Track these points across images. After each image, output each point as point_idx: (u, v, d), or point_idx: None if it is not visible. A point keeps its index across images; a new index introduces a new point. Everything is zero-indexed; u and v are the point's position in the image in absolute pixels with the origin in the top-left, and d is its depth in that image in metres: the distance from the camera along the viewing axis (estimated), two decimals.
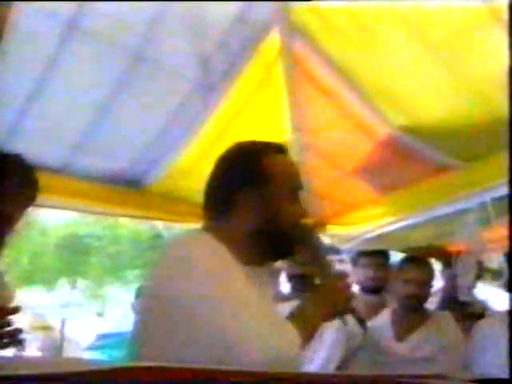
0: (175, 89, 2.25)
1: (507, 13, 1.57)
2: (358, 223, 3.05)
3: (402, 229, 2.80)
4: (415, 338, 2.55)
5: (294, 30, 2.08)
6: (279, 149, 1.35)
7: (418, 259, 2.69)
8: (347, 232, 3.15)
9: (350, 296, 1.32)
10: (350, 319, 2.56)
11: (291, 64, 2.22)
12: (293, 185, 1.32)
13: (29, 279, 10.55)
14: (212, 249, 1.21)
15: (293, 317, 1.26)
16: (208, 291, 1.11)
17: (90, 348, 7.25)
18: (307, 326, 1.24)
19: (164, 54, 2.08)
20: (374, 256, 3.03)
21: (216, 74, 2.20)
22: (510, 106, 1.68)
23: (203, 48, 2.09)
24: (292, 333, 1.19)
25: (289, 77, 2.28)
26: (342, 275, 1.34)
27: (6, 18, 1.68)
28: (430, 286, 2.64)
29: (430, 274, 2.63)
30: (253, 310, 1.15)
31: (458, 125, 2.05)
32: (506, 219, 2.09)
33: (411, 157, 2.34)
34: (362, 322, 1.30)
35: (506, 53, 1.64)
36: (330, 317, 1.31)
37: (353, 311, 1.29)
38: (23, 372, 0.76)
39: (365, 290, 3.04)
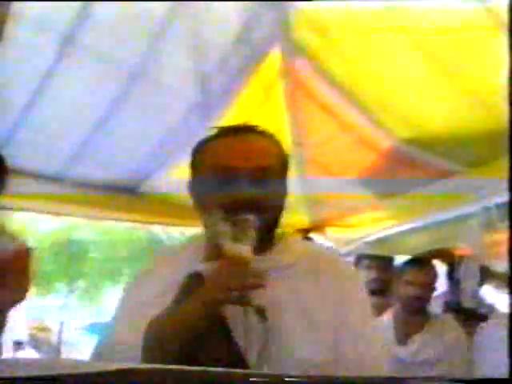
0: (174, 106, 2.26)
1: (507, 14, 1.56)
2: (358, 226, 3.05)
3: (402, 233, 2.79)
4: (417, 340, 2.54)
5: (295, 48, 2.08)
6: (221, 133, 1.24)
7: (420, 261, 2.68)
8: (347, 235, 3.15)
9: (242, 284, 1.04)
10: None
11: (292, 81, 2.24)
12: (216, 166, 1.18)
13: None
14: (165, 254, 1.32)
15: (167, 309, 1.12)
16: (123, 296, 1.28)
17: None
18: (175, 318, 1.08)
19: (163, 72, 2.09)
20: (377, 258, 3.03)
21: (215, 92, 2.20)
22: (511, 109, 1.67)
23: (203, 66, 2.10)
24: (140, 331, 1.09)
25: (289, 93, 2.30)
26: (235, 259, 1.08)
27: (4, 18, 1.68)
28: (433, 288, 2.63)
29: (433, 276, 2.62)
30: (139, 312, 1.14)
31: (460, 132, 2.06)
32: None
33: (413, 164, 2.34)
34: (261, 313, 1.08)
35: (507, 57, 1.63)
36: (209, 307, 1.07)
37: (247, 303, 1.05)
38: (20, 374, 0.74)
39: (368, 291, 3.03)
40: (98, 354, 1.20)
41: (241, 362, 1.08)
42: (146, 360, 1.04)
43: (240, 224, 1.10)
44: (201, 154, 1.23)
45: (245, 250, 1.09)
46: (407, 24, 1.78)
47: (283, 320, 1.12)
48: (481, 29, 1.68)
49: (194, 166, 1.24)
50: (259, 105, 2.34)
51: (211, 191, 1.17)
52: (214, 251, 1.17)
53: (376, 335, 1.18)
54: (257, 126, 1.25)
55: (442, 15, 1.70)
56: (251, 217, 1.12)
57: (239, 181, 1.17)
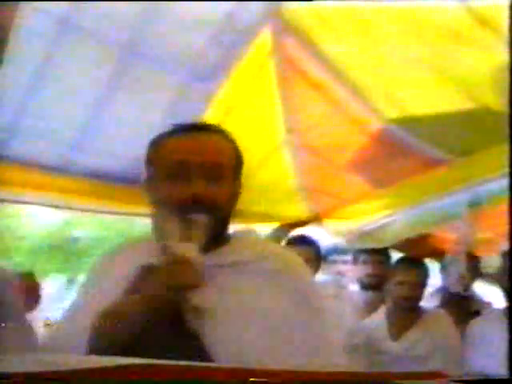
0: (169, 83, 2.24)
1: (507, 13, 1.59)
2: (354, 217, 3.07)
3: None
4: (410, 336, 2.55)
5: (286, 27, 2.07)
6: (175, 130, 1.23)
7: (410, 260, 2.70)
8: (344, 226, 3.17)
9: (180, 284, 1.05)
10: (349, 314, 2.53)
11: (282, 60, 2.21)
12: (172, 160, 1.17)
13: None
14: (120, 250, 1.32)
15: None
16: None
17: None
18: (123, 311, 1.09)
19: (157, 48, 2.08)
20: (374, 253, 3.04)
21: (209, 67, 2.19)
22: (510, 102, 1.70)
23: (196, 41, 2.09)
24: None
25: (280, 73, 2.28)
26: (177, 258, 1.07)
27: (12, 19, 1.68)
28: (424, 287, 2.64)
29: (423, 276, 2.62)
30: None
31: (449, 120, 2.07)
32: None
33: (404, 151, 2.36)
34: (197, 313, 1.08)
35: (498, 51, 1.67)
36: (150, 304, 1.08)
37: (183, 302, 1.06)
38: (21, 370, 0.78)
39: (364, 286, 3.06)
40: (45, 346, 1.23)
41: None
42: (92, 351, 1.05)
43: (190, 223, 1.09)
44: (154, 151, 1.22)
45: (189, 249, 1.07)
46: (400, 9, 1.79)
47: (221, 318, 1.10)
48: (470, 20, 1.70)
49: (148, 162, 1.24)
50: (251, 86, 2.32)
51: (165, 188, 1.16)
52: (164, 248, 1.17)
53: (329, 331, 1.17)
54: (212, 125, 1.24)
55: (434, 4, 1.73)
56: (202, 217, 1.11)
57: (192, 177, 1.14)
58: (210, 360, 1.04)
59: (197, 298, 1.06)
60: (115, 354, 0.93)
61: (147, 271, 1.16)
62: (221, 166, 1.17)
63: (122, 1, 1.86)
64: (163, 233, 1.12)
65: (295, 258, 1.25)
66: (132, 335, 1.06)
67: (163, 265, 1.08)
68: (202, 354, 1.05)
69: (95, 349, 1.05)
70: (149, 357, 0.86)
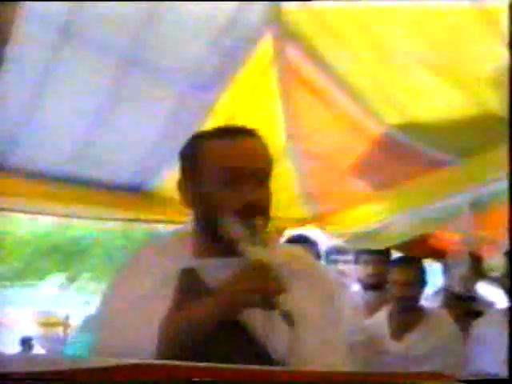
0: (170, 93, 2.24)
1: (506, 13, 1.59)
2: (356, 221, 3.07)
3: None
4: (411, 336, 2.56)
5: (287, 34, 2.08)
6: (219, 133, 1.23)
7: (405, 260, 2.71)
8: (345, 229, 3.17)
9: (271, 288, 1.04)
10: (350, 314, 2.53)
11: (283, 66, 2.22)
12: (226, 166, 1.16)
13: (24, 277, 10.59)
14: (149, 248, 1.31)
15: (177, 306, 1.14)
16: (109, 284, 1.30)
17: None
18: (186, 318, 1.11)
19: (158, 58, 2.08)
20: (374, 253, 3.04)
21: (210, 75, 2.20)
22: (510, 103, 1.70)
23: (196, 50, 2.09)
24: (148, 325, 1.10)
25: (282, 80, 2.29)
26: (256, 265, 1.08)
27: (12, 21, 1.68)
28: (421, 286, 2.64)
29: (419, 275, 2.62)
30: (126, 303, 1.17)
31: (450, 122, 2.07)
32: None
33: (406, 154, 2.36)
34: (287, 317, 1.05)
35: (499, 52, 1.67)
36: (228, 309, 1.10)
37: (270, 306, 1.04)
38: (21, 369, 0.77)
39: (365, 286, 3.06)
40: (96, 350, 1.23)
41: (268, 362, 1.09)
42: (162, 356, 1.06)
43: (253, 228, 1.11)
44: (199, 152, 1.21)
45: (265, 254, 1.09)
46: (401, 13, 1.79)
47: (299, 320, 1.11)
48: (472, 22, 1.70)
49: (190, 163, 1.23)
50: (252, 93, 2.33)
51: (216, 192, 1.16)
52: (204, 248, 1.20)
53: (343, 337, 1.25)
54: (253, 129, 1.25)
55: (436, 7, 1.73)
56: (262, 220, 1.14)
57: (244, 182, 1.16)
58: (271, 363, 1.07)
59: (286, 303, 1.05)
60: (186, 359, 0.90)
61: (189, 274, 1.18)
62: (265, 171, 1.21)
63: (122, 0, 1.85)
64: (232, 238, 1.12)
65: (316, 260, 1.32)
66: (204, 339, 1.07)
67: (246, 269, 1.09)
68: (264, 357, 1.09)
69: (165, 354, 1.05)
70: (215, 361, 0.85)
